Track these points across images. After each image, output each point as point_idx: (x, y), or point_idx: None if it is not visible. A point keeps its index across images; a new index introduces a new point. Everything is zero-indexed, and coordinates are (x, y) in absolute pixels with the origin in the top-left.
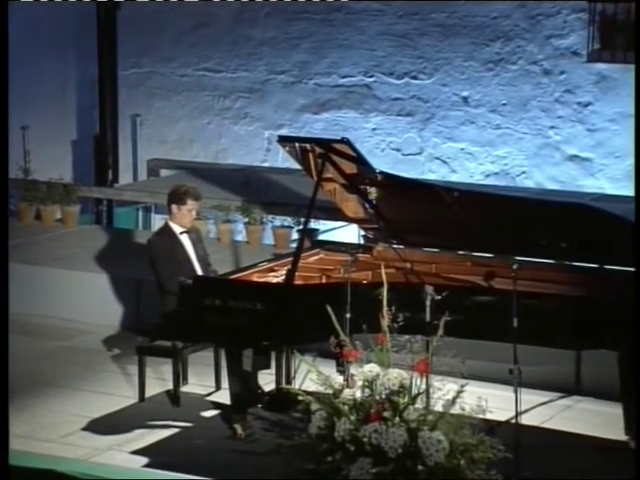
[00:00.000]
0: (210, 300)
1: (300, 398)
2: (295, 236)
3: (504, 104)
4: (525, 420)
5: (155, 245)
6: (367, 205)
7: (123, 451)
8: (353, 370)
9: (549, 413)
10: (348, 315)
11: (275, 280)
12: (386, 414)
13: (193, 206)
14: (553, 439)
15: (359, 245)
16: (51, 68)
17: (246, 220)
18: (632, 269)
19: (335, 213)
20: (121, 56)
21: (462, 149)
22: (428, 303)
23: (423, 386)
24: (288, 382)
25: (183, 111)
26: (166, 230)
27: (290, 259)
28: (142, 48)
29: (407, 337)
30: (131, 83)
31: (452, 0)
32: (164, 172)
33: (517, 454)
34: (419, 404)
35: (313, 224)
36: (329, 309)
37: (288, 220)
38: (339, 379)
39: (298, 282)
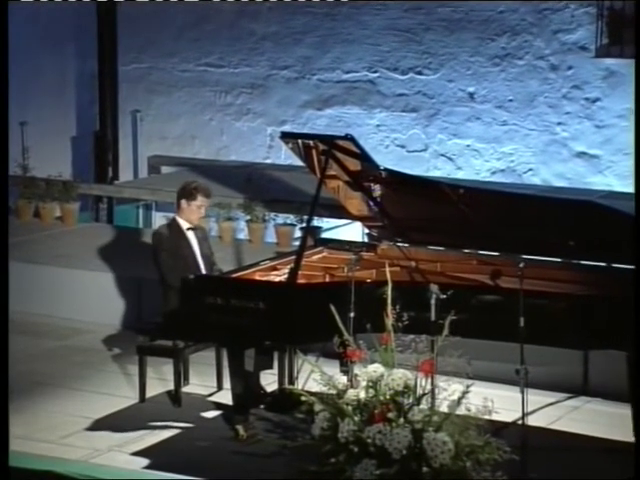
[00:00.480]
0: (212, 299)
1: (303, 399)
2: (298, 234)
3: (510, 100)
4: (532, 421)
5: (160, 236)
6: (371, 203)
7: (123, 452)
8: (357, 370)
9: (556, 414)
10: (352, 314)
11: (278, 279)
12: (390, 415)
13: (203, 203)
14: (560, 441)
15: (363, 243)
16: (50, 63)
17: (248, 218)
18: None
19: (339, 211)
20: (121, 51)
21: (468, 146)
22: (433, 302)
23: (428, 386)
24: (291, 382)
25: (184, 107)
26: (173, 224)
27: (293, 257)
28: (143, 43)
29: (412, 337)
30: (132, 78)
31: None
32: (165, 169)
33: (524, 456)
34: (424, 405)
35: (316, 222)
36: (332, 308)
37: (291, 218)
38: (343, 379)
39: (301, 281)
